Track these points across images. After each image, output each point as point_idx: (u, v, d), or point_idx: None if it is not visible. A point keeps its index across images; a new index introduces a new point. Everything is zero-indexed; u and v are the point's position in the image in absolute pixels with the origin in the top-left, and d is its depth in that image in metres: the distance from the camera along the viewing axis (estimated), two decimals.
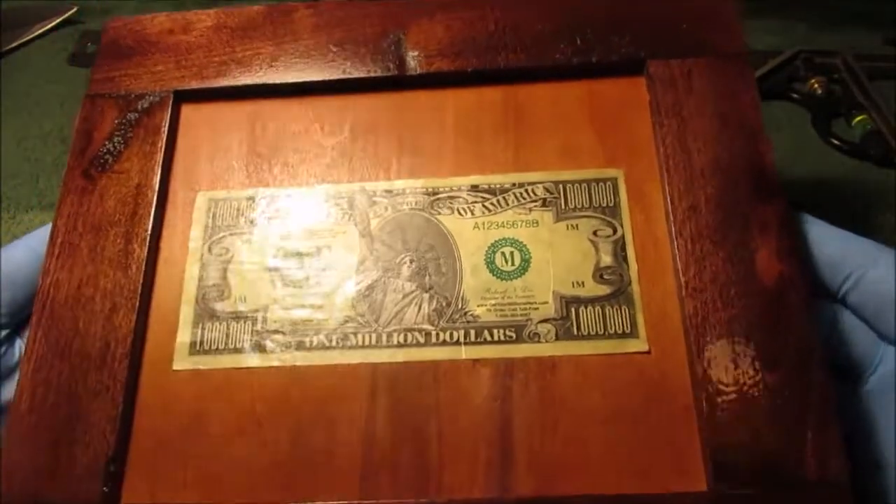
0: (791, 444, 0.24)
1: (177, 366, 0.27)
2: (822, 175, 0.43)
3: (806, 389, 0.24)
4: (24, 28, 0.52)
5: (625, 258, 0.28)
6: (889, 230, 0.40)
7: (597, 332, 0.27)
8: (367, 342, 0.27)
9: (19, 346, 0.30)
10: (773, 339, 0.25)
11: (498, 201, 0.29)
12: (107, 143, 0.31)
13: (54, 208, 0.42)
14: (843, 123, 0.46)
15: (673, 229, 0.27)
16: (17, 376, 0.29)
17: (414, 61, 0.31)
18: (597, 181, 0.29)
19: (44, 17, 0.53)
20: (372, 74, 0.31)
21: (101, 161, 0.31)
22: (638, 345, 0.26)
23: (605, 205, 0.29)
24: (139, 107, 0.32)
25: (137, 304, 0.28)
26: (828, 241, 0.27)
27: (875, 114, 0.44)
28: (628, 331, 0.27)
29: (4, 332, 0.30)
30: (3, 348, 0.30)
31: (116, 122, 0.31)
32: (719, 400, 0.25)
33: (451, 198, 0.29)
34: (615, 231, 0.28)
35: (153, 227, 0.29)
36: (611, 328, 0.27)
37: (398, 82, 0.32)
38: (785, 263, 0.26)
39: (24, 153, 0.47)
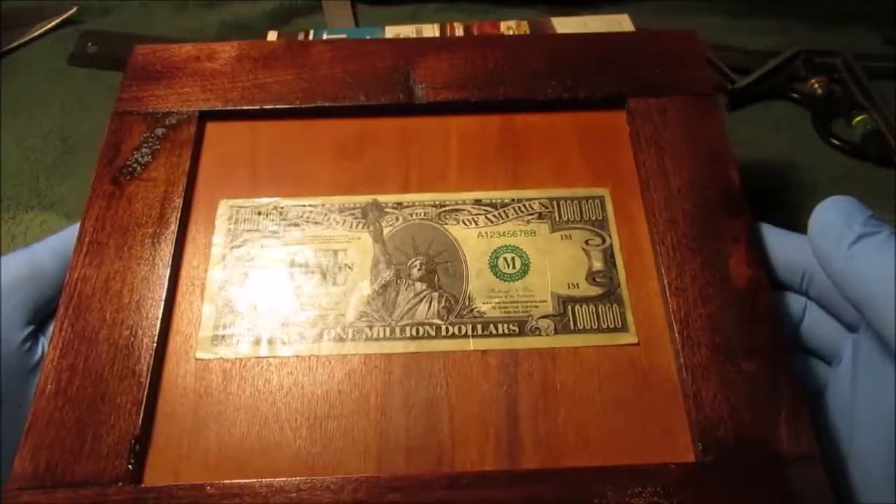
0: (767, 422, 0.27)
1: (200, 355, 0.29)
2: (822, 175, 0.44)
3: (777, 375, 0.28)
4: (24, 28, 0.53)
5: (614, 264, 0.31)
6: None
7: (591, 326, 0.29)
8: (381, 335, 0.29)
9: (42, 343, 0.31)
10: (747, 333, 0.28)
11: (499, 214, 0.32)
12: (135, 153, 0.33)
13: (54, 208, 0.44)
14: (843, 123, 0.46)
15: (655, 238, 0.31)
16: (39, 372, 0.30)
17: (421, 91, 0.35)
18: (586, 198, 0.33)
19: (44, 17, 0.54)
20: (383, 102, 0.35)
21: (130, 169, 0.33)
22: (628, 337, 0.29)
23: (594, 218, 0.32)
24: (166, 123, 0.34)
25: (163, 298, 0.29)
26: (784, 244, 0.31)
27: (875, 114, 0.44)
28: (619, 325, 0.29)
29: (29, 329, 0.31)
30: (28, 344, 0.31)
31: (144, 135, 0.34)
32: (703, 384, 0.27)
33: (457, 210, 0.32)
34: (604, 241, 0.32)
35: (178, 230, 0.31)
36: (603, 323, 0.30)
37: (407, 109, 0.35)
38: (754, 269, 0.30)
39: (24, 153, 0.47)
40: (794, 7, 0.52)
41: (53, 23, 0.54)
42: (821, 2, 0.52)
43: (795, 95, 0.47)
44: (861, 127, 0.45)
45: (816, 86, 0.47)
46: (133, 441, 0.26)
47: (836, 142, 0.45)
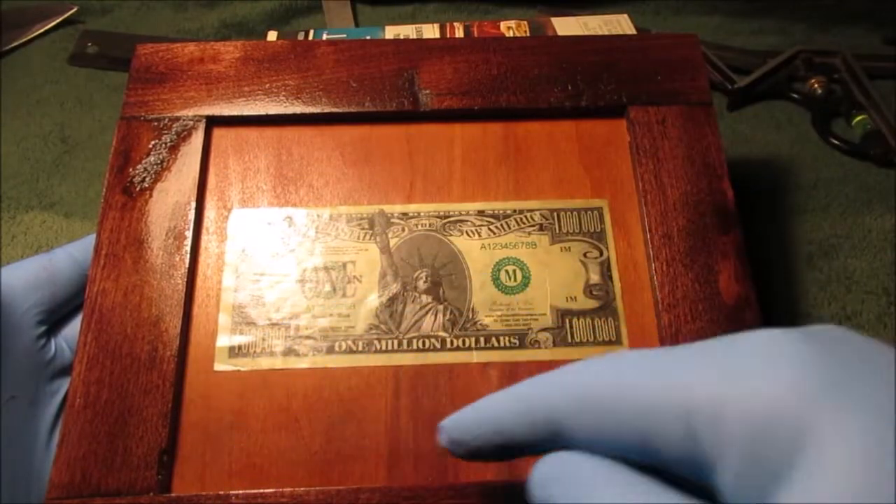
0: None
1: (218, 367, 0.31)
2: (822, 175, 0.44)
3: None
4: (24, 28, 0.53)
5: (610, 277, 0.33)
6: (889, 230, 0.41)
7: (587, 339, 0.31)
8: (389, 347, 0.31)
9: (54, 342, 0.33)
10: None
11: (501, 225, 0.34)
12: (144, 162, 0.34)
13: (54, 208, 0.45)
14: (843, 123, 0.46)
15: (651, 253, 0.32)
16: (51, 370, 0.32)
17: (426, 98, 0.35)
18: (585, 210, 0.34)
19: (44, 17, 0.54)
20: (388, 108, 0.35)
21: (140, 179, 0.33)
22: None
23: (592, 230, 0.34)
24: (174, 130, 0.34)
25: (181, 312, 0.31)
26: None
27: (875, 114, 0.45)
28: (614, 339, 0.31)
29: (42, 328, 0.33)
30: (41, 342, 0.32)
31: (153, 143, 0.34)
32: None
33: (461, 221, 0.34)
34: (602, 253, 0.33)
35: (192, 242, 0.32)
36: (599, 337, 0.31)
37: (412, 116, 0.36)
38: (742, 285, 0.32)
39: (24, 153, 0.48)
40: (794, 7, 0.52)
41: (53, 23, 0.54)
42: (821, 2, 0.52)
43: (795, 95, 0.48)
44: (861, 127, 0.46)
45: (816, 86, 0.47)
46: (161, 452, 0.28)
47: (836, 142, 0.45)
